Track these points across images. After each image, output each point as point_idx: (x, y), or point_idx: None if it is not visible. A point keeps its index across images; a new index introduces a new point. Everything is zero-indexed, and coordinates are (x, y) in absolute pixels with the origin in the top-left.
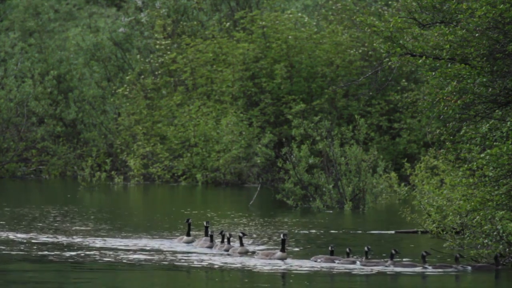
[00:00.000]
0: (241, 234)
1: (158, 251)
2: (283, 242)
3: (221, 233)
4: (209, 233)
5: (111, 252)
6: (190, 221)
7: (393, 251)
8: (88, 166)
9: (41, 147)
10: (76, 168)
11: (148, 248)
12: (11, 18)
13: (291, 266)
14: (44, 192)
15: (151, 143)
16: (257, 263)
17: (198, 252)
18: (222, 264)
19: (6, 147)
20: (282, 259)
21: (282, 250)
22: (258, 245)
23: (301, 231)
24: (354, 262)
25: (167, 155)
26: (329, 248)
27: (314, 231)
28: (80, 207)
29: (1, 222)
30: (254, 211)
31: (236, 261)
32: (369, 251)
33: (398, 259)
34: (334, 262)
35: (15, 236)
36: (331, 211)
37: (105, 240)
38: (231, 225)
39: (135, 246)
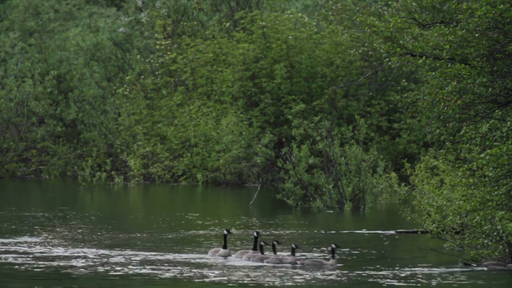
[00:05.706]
0: (294, 245)
1: (197, 266)
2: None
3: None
4: (260, 243)
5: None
6: (227, 232)
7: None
8: (88, 166)
9: (41, 147)
10: (76, 168)
11: (180, 261)
12: (11, 18)
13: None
14: (44, 192)
15: (151, 143)
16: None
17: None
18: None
19: (6, 147)
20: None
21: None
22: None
23: (304, 231)
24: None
25: (167, 155)
26: None
27: (320, 231)
28: (86, 210)
29: (2, 224)
30: (254, 211)
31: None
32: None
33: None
34: None
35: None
36: (331, 211)
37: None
38: (231, 225)
39: (167, 259)
